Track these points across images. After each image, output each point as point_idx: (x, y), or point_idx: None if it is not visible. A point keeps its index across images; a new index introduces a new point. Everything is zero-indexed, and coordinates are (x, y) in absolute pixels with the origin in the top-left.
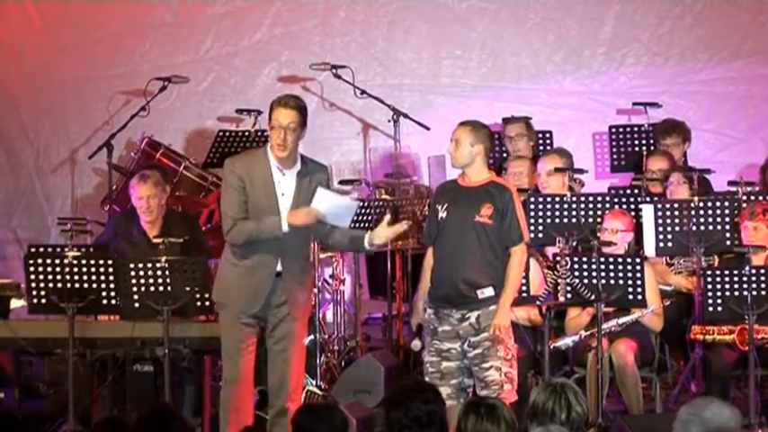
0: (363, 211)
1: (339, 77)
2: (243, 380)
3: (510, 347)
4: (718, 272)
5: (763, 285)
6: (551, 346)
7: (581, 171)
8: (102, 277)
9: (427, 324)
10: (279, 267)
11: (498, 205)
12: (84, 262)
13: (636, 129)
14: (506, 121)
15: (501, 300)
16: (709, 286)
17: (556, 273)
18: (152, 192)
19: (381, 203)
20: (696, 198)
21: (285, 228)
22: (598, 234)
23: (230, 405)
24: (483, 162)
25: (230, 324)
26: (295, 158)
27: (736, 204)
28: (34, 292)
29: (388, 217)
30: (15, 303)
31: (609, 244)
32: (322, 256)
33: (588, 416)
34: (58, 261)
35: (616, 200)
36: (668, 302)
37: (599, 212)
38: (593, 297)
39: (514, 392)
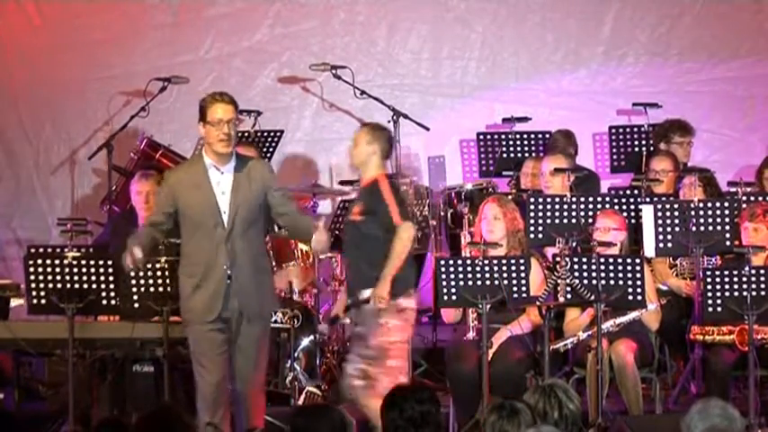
0: None
1: (339, 78)
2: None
3: (371, 344)
4: (718, 272)
5: (762, 285)
6: (550, 348)
7: (581, 171)
8: (102, 278)
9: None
10: (228, 271)
11: (365, 200)
12: (83, 262)
13: (636, 129)
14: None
15: (383, 272)
16: (709, 286)
17: (555, 273)
18: (153, 188)
19: None
20: (696, 198)
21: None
22: (591, 234)
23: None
24: (376, 162)
25: (198, 334)
26: (231, 155)
27: (735, 205)
28: (34, 293)
29: (319, 223)
30: (15, 302)
31: (609, 244)
32: (321, 256)
33: (580, 411)
34: (57, 261)
35: (616, 200)
36: (664, 301)
37: (598, 213)
38: (592, 297)
39: (373, 392)
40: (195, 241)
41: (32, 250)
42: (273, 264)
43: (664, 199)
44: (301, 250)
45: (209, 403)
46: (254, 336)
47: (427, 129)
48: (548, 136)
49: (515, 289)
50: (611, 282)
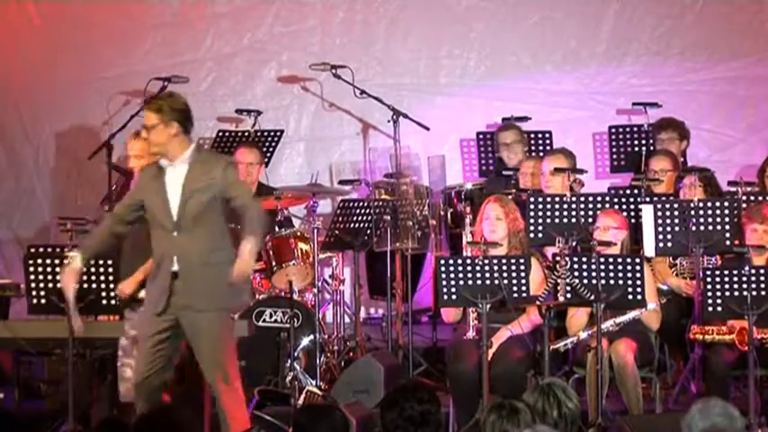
0: (363, 211)
1: (339, 77)
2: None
3: None
4: (717, 272)
5: (762, 285)
6: (550, 348)
7: (581, 171)
8: (102, 278)
9: None
10: (175, 267)
11: None
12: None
13: (636, 129)
14: (500, 128)
15: None
16: (709, 286)
17: (555, 273)
18: None
19: (381, 203)
20: (696, 198)
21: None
22: (591, 233)
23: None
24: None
25: (143, 323)
26: (182, 150)
27: (735, 204)
28: (34, 293)
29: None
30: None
31: (608, 244)
32: (321, 256)
33: (579, 410)
34: (57, 261)
35: (616, 200)
36: (664, 300)
37: (599, 213)
38: (592, 297)
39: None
40: (154, 237)
41: (32, 250)
42: (274, 263)
43: (664, 199)
44: (301, 250)
45: (128, 392)
46: (206, 330)
47: (427, 128)
48: (547, 136)
49: (515, 288)
50: (611, 281)
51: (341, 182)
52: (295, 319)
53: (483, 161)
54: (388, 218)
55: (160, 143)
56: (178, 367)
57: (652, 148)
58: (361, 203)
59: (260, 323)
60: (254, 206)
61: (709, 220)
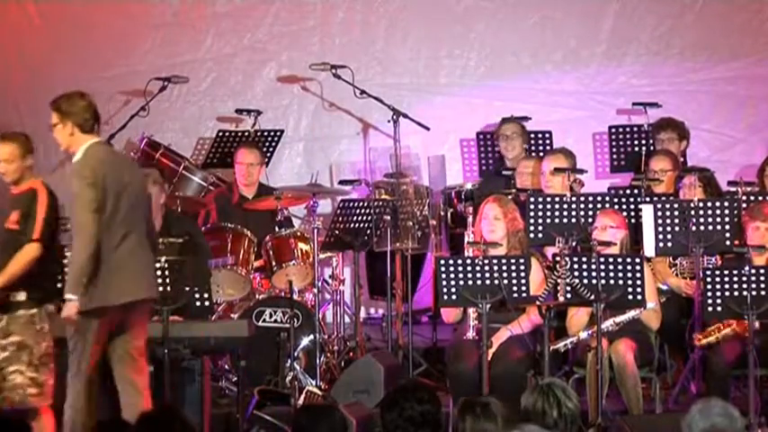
0: (363, 211)
1: (339, 77)
2: None
3: (35, 352)
4: (717, 272)
5: (762, 285)
6: (550, 348)
7: (581, 171)
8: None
9: None
10: None
11: (23, 209)
12: None
13: (636, 129)
14: (502, 120)
15: None
16: (709, 286)
17: (555, 273)
18: (152, 190)
19: (381, 203)
20: (696, 198)
21: None
22: (591, 233)
23: None
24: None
25: None
26: (77, 150)
27: (735, 204)
28: None
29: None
30: None
31: (608, 244)
32: (321, 256)
33: (579, 410)
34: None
35: (616, 200)
36: (663, 299)
37: (598, 213)
38: (592, 297)
39: (44, 397)
40: None
41: None
42: (274, 263)
43: (664, 199)
44: (301, 250)
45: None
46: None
47: (427, 128)
48: (547, 135)
49: (515, 289)
50: (611, 281)
51: (341, 182)
52: (295, 319)
53: (483, 161)
54: (388, 218)
55: (62, 142)
56: None
57: (652, 148)
58: (361, 203)
59: (260, 323)
60: (75, 249)
61: (709, 220)
